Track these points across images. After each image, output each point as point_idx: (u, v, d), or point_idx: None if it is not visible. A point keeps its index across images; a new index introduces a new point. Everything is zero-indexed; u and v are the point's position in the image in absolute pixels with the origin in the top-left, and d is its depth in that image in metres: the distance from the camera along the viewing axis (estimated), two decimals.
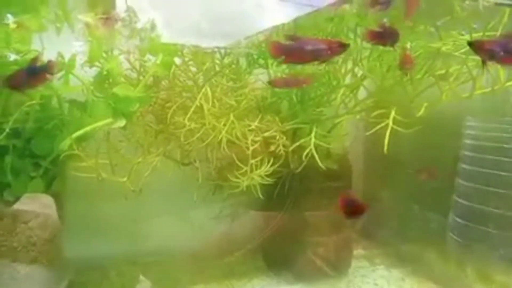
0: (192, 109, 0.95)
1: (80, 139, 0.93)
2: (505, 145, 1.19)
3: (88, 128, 0.91)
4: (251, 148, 0.92)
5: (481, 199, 1.22)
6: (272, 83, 0.95)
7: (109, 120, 0.93)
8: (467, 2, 0.78)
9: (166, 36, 0.97)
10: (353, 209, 0.89)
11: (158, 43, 0.96)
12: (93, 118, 0.94)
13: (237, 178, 0.95)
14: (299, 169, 1.09)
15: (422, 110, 0.84)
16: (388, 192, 1.43)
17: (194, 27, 1.01)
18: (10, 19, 0.89)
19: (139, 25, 0.96)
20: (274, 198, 1.13)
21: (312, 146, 0.96)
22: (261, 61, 1.10)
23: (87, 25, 0.83)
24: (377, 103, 0.94)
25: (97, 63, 0.98)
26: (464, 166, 1.29)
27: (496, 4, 0.79)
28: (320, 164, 0.94)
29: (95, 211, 1.19)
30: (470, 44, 0.72)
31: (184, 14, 1.02)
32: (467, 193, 1.27)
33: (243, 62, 1.10)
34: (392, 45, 0.78)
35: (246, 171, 0.94)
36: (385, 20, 0.77)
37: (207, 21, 1.01)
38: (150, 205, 1.23)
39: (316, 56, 0.79)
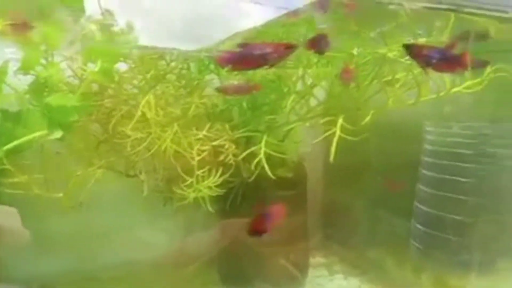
0: (136, 118, 0.90)
1: (11, 152, 0.86)
2: (463, 151, 1.19)
3: (20, 141, 0.85)
4: (196, 158, 0.88)
5: (440, 205, 1.22)
6: (221, 90, 0.91)
7: (44, 131, 0.87)
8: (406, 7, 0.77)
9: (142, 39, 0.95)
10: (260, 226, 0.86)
11: (101, 47, 0.91)
12: (27, 129, 0.88)
13: (183, 190, 0.90)
14: (252, 179, 1.05)
15: (369, 117, 0.82)
16: (352, 199, 1.41)
17: (168, 31, 0.98)
18: None
19: (116, 28, 0.93)
20: (227, 209, 1.09)
21: (262, 154, 0.93)
22: (212, 67, 1.06)
23: None
24: (327, 110, 0.91)
25: (33, 71, 0.92)
26: (424, 172, 1.29)
27: (427, 8, 0.78)
28: (269, 173, 0.90)
29: (41, 227, 1.12)
30: (406, 48, 0.70)
31: (158, 17, 0.99)
32: (427, 199, 1.27)
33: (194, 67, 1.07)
34: (321, 52, 0.76)
35: (192, 182, 0.89)
36: (323, 26, 0.75)
37: (182, 24, 0.99)
38: (101, 219, 1.17)
39: (263, 60, 0.78)
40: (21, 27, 0.80)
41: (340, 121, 0.80)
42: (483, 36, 0.89)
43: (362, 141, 1.22)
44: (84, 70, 0.85)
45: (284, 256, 1.12)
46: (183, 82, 1.00)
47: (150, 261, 1.22)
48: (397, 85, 0.81)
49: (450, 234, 1.20)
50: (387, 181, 1.29)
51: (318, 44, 0.77)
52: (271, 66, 0.79)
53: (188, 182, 0.89)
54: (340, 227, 1.40)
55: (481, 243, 1.12)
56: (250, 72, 1.02)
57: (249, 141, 1.07)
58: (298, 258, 1.17)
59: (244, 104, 0.99)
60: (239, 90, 0.93)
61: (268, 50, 0.77)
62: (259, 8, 1.08)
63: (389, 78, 0.81)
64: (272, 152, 0.93)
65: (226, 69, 0.91)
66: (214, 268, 1.19)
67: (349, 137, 0.79)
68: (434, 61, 0.69)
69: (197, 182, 0.90)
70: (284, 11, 1.02)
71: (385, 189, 1.32)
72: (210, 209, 0.98)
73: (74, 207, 0.89)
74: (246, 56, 0.79)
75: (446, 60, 0.70)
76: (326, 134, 0.81)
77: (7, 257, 1.08)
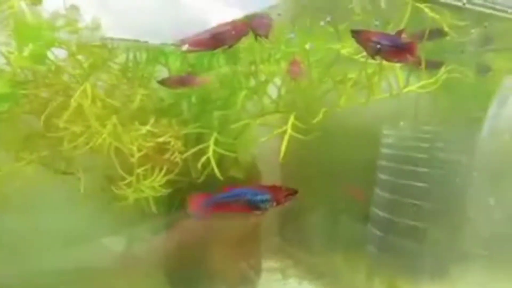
0: (70, 109, 0.82)
1: None
2: (419, 155, 1.18)
3: None
4: (137, 155, 0.81)
5: (395, 210, 1.20)
6: (163, 82, 0.85)
7: None
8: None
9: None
10: None
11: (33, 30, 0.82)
12: None
13: (122, 189, 0.83)
14: (202, 179, 0.99)
15: (320, 115, 0.78)
16: (308, 202, 1.38)
17: (135, 31, 0.94)
18: None
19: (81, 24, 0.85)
20: (174, 211, 1.02)
21: (210, 153, 0.87)
22: (162, 59, 0.99)
23: None
24: (280, 108, 0.86)
25: None
26: (381, 176, 1.28)
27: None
28: (217, 172, 0.85)
29: None
30: (354, 34, 0.67)
31: (127, 19, 0.95)
32: (383, 203, 1.25)
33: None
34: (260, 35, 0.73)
35: (131, 181, 0.82)
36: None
37: (149, 24, 0.95)
38: (40, 219, 1.07)
39: (221, 40, 0.75)
40: None
41: (291, 119, 0.75)
42: (439, 32, 0.87)
43: (319, 142, 1.19)
44: (10, 53, 0.76)
45: (236, 259, 1.06)
46: (128, 72, 0.92)
47: (94, 266, 1.13)
48: (349, 84, 0.77)
49: (404, 239, 1.19)
50: (350, 188, 1.27)
51: (259, 27, 0.72)
52: (230, 46, 0.76)
53: (127, 181, 0.81)
54: (296, 231, 1.36)
55: (434, 248, 1.11)
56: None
57: (200, 139, 1.00)
58: (250, 261, 1.11)
59: (193, 99, 0.93)
60: (184, 82, 0.86)
61: (226, 28, 0.75)
62: (234, 10, 1.05)
63: (341, 76, 0.77)
64: (222, 151, 0.87)
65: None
66: (162, 272, 1.11)
67: (300, 136, 0.75)
68: (383, 48, 0.66)
69: (138, 181, 0.83)
70: None
71: (342, 192, 1.29)
72: (154, 210, 0.91)
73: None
74: (204, 37, 0.77)
75: (395, 48, 0.68)
76: (276, 132, 0.76)
77: None
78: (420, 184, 1.16)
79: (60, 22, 0.87)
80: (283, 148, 0.76)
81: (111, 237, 1.10)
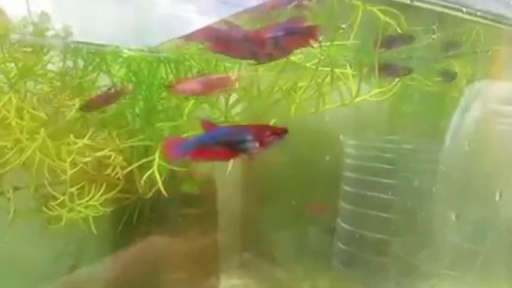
0: None
1: None
2: (384, 166, 1.14)
3: None
4: (69, 171, 0.72)
5: (362, 223, 1.16)
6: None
7: None
8: None
9: None
10: None
11: None
12: None
13: (56, 209, 0.74)
14: (150, 196, 0.92)
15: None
16: (270, 216, 1.31)
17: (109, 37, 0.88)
18: None
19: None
20: (121, 230, 0.94)
21: (155, 167, 0.79)
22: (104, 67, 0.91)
23: None
24: (228, 118, 0.80)
25: None
26: (345, 188, 1.23)
27: None
28: (162, 189, 0.77)
29: None
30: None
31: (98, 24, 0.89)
32: (348, 217, 1.20)
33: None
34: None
35: (64, 201, 0.74)
36: None
37: (123, 31, 0.90)
38: None
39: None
40: None
41: None
42: (409, 38, 0.83)
43: (280, 153, 1.13)
44: None
45: (193, 281, 0.98)
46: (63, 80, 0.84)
47: None
48: (299, 93, 0.71)
49: (370, 253, 1.15)
50: (310, 206, 1.22)
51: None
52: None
53: (60, 200, 0.73)
54: (258, 246, 1.29)
55: (399, 262, 1.06)
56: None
57: (148, 152, 0.93)
58: (207, 281, 1.03)
59: (136, 109, 0.85)
60: (106, 100, 0.79)
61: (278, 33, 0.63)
62: (205, 19, 1.01)
63: (291, 84, 0.72)
64: (167, 165, 0.80)
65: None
66: None
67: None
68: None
69: (72, 201, 0.74)
70: None
71: (304, 205, 1.24)
72: (94, 231, 0.82)
73: None
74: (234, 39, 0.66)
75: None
76: None
77: None
78: (384, 196, 1.12)
79: (28, 28, 0.79)
80: (230, 161, 0.69)
81: (50, 263, 1.00)
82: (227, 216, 1.11)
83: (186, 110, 0.81)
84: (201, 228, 1.02)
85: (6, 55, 0.75)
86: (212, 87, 0.77)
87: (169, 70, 0.87)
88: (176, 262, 0.98)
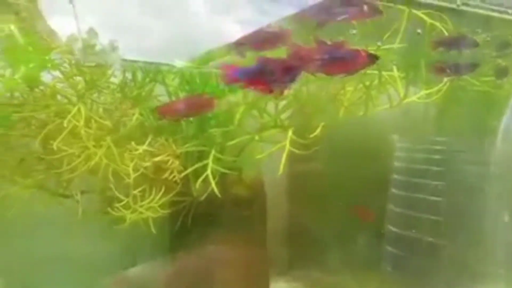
0: (66, 131, 0.81)
1: None
2: (434, 168, 1.13)
3: None
4: (132, 175, 0.78)
5: (412, 226, 1.15)
6: (160, 113, 0.82)
7: None
8: None
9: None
10: None
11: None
12: None
13: (120, 210, 0.80)
14: (204, 198, 0.96)
15: (318, 129, 0.74)
16: (316, 219, 1.33)
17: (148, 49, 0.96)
18: None
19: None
20: (177, 232, 0.99)
21: (209, 170, 0.84)
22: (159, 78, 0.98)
23: None
24: (278, 123, 0.83)
25: None
26: (394, 191, 1.23)
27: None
28: (216, 191, 0.81)
29: None
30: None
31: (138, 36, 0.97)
32: (398, 220, 1.20)
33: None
34: None
35: (128, 202, 0.80)
36: None
37: (162, 42, 0.97)
38: (39, 244, 1.05)
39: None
40: None
41: (289, 133, 0.72)
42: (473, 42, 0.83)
43: (327, 156, 1.15)
44: (1, 76, 0.76)
45: (243, 283, 1.02)
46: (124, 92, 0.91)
47: None
48: (347, 96, 0.73)
49: (421, 256, 1.14)
50: (358, 209, 1.22)
51: None
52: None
53: (124, 202, 0.79)
54: (305, 249, 1.31)
55: (450, 264, 1.05)
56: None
57: (201, 157, 0.98)
58: (258, 284, 1.07)
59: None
60: (183, 111, 0.84)
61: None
62: (239, 27, 1.05)
63: (339, 88, 0.74)
64: (221, 169, 0.84)
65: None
66: None
67: (297, 151, 0.71)
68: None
69: (135, 202, 0.80)
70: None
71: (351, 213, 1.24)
72: (153, 230, 0.88)
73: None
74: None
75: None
76: (275, 148, 0.73)
77: None
78: (436, 198, 1.10)
79: (77, 45, 0.88)
80: (281, 164, 0.72)
81: (112, 261, 1.07)
82: (274, 218, 1.14)
83: (238, 116, 0.85)
84: (251, 230, 1.05)
85: (74, 70, 0.83)
86: (196, 108, 0.83)
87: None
88: (228, 264, 1.02)
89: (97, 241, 1.04)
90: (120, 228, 0.94)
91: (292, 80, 0.65)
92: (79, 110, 0.79)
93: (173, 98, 0.97)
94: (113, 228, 0.97)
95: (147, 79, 0.96)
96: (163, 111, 0.85)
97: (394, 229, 1.21)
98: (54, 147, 0.78)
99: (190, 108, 0.84)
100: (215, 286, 1.00)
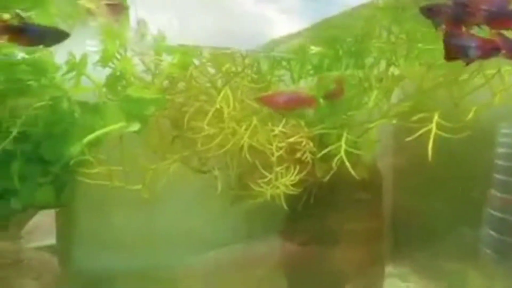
0: (211, 113, 0.88)
1: (91, 144, 0.86)
2: None
3: (100, 132, 0.85)
4: (276, 154, 0.84)
5: None
6: (260, 101, 0.86)
7: (122, 124, 0.86)
8: None
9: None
10: None
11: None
12: (105, 121, 0.88)
13: (260, 186, 0.87)
14: (327, 178, 1.00)
15: (471, 114, 0.75)
16: (421, 204, 1.33)
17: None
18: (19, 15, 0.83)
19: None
20: (300, 210, 1.04)
21: (342, 153, 0.88)
22: (284, 63, 1.02)
23: (90, 12, 0.77)
24: (414, 107, 0.85)
25: (110, 64, 0.92)
26: (498, 176, 1.21)
27: None
28: (352, 172, 0.85)
29: (107, 221, 1.11)
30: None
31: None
32: (501, 205, 1.17)
33: (264, 64, 1.04)
34: None
35: (270, 179, 0.85)
36: None
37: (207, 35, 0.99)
38: (165, 215, 1.15)
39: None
40: (117, 8, 0.79)
41: (435, 117, 0.73)
42: None
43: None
44: (161, 61, 0.84)
45: (361, 262, 1.05)
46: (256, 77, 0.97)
47: (212, 263, 1.19)
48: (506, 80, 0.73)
49: None
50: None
51: None
52: None
53: (267, 178, 0.84)
54: (411, 236, 1.31)
55: None
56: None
57: (322, 139, 1.02)
58: (375, 265, 1.10)
59: (321, 100, 0.94)
60: (285, 103, 0.87)
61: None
62: (284, 17, 1.08)
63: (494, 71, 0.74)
64: (353, 150, 0.87)
65: None
66: (282, 273, 1.13)
67: (447, 135, 0.72)
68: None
69: (276, 179, 0.86)
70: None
71: (459, 196, 1.23)
72: (285, 206, 0.93)
73: (150, 200, 0.87)
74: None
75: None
76: (421, 131, 0.75)
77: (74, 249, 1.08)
78: None
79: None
80: (429, 147, 0.74)
81: (235, 235, 1.14)
82: (387, 203, 1.16)
83: (371, 100, 0.87)
84: (369, 214, 1.08)
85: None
86: (295, 104, 0.87)
87: None
88: (348, 243, 1.06)
89: (218, 216, 1.11)
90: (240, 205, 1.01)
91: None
92: (225, 93, 0.85)
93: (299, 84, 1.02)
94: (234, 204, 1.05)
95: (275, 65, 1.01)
96: (264, 100, 0.88)
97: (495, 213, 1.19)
98: (205, 126, 0.84)
99: (289, 103, 0.88)
100: (335, 265, 1.05)
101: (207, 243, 1.19)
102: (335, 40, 0.93)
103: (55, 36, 0.77)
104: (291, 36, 1.22)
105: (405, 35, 0.79)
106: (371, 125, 0.87)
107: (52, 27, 0.77)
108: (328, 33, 1.02)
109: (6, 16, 0.72)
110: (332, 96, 0.91)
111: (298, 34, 1.20)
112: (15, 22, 0.72)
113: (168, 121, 1.00)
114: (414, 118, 0.77)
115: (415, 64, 0.83)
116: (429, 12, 0.74)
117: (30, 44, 0.77)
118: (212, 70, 0.97)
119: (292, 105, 0.89)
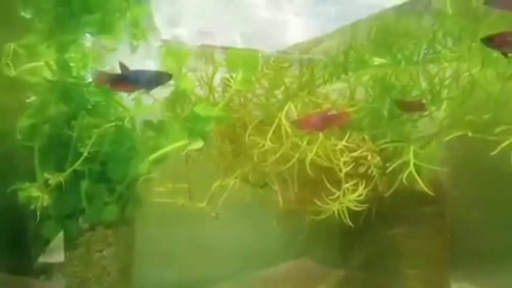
0: (273, 127, 0.87)
1: (155, 162, 0.87)
2: None
3: (164, 150, 0.86)
4: (344, 170, 0.82)
5: None
6: (296, 124, 0.84)
7: (186, 141, 0.86)
8: None
9: None
10: None
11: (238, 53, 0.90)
12: (168, 139, 0.88)
13: (326, 203, 0.84)
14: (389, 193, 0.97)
15: None
16: (480, 219, 1.27)
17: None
18: (88, 39, 0.86)
19: None
20: (360, 226, 1.01)
21: (411, 166, 0.84)
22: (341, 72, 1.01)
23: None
24: (493, 118, 0.81)
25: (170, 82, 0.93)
26: None
27: None
28: (423, 187, 0.82)
29: (169, 237, 1.12)
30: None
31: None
32: None
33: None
34: None
35: (338, 195, 0.83)
36: None
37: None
38: (225, 230, 1.14)
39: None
40: None
41: None
42: None
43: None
44: (229, 80, 0.84)
45: (424, 280, 1.01)
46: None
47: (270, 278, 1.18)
48: None
49: None
50: None
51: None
52: None
53: (336, 195, 0.82)
54: (469, 249, 1.25)
55: None
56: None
57: (382, 152, 0.99)
58: (438, 283, 1.05)
59: (385, 112, 0.91)
60: (320, 124, 0.84)
61: None
62: (298, 20, 1.07)
63: None
64: (423, 164, 0.84)
65: None
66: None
67: None
68: None
69: (343, 195, 0.84)
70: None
71: None
72: (350, 224, 0.90)
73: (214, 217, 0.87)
74: None
75: None
76: (505, 143, 0.71)
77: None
78: None
79: None
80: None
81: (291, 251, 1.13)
82: (451, 216, 1.11)
83: (441, 111, 0.84)
84: (434, 228, 1.04)
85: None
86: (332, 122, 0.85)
87: None
88: (412, 259, 1.01)
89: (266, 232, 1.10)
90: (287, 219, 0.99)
91: None
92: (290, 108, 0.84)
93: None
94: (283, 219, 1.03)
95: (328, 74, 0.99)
96: (300, 124, 0.86)
97: None
98: (268, 142, 0.83)
99: (325, 122, 0.85)
100: (398, 278, 1.01)
101: (264, 259, 1.18)
102: (399, 49, 0.90)
103: (157, 79, 0.79)
104: (319, 40, 1.20)
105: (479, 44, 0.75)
106: (446, 138, 0.83)
107: (153, 71, 0.79)
108: (387, 41, 0.99)
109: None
110: (411, 108, 0.88)
111: (328, 37, 1.17)
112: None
113: (226, 137, 1.00)
114: (497, 130, 0.73)
115: (491, 74, 0.79)
116: (493, 43, 0.72)
117: (133, 90, 0.79)
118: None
119: (328, 124, 0.86)
